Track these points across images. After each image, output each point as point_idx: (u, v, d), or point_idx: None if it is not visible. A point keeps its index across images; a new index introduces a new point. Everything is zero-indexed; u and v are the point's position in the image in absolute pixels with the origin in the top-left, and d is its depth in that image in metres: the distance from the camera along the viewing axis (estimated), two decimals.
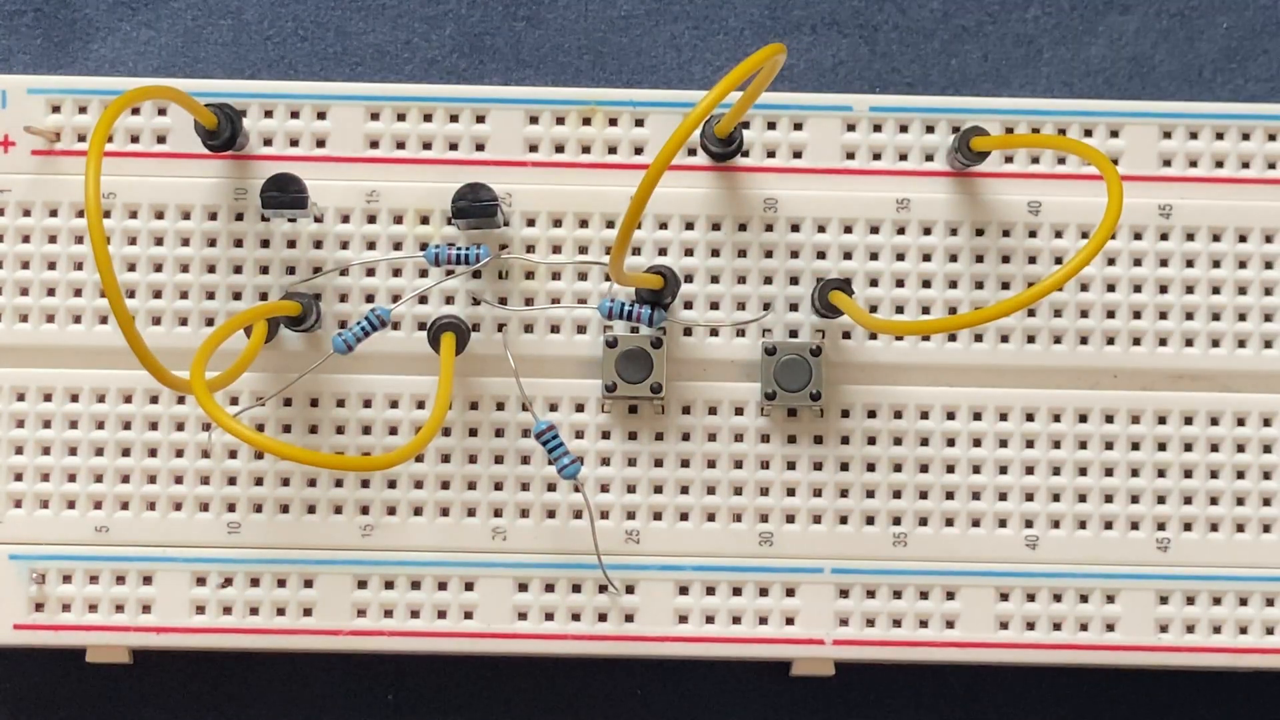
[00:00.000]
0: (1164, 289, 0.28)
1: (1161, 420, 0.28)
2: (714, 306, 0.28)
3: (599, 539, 0.27)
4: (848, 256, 0.28)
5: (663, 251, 0.28)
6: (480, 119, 0.28)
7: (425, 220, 0.28)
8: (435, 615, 0.28)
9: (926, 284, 0.28)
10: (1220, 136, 0.29)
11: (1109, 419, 0.28)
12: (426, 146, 0.28)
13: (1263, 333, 0.28)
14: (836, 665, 0.28)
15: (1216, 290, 0.28)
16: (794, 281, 0.28)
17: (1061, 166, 0.28)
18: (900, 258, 0.28)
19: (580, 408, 0.28)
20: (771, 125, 0.28)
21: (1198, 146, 0.29)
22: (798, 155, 0.29)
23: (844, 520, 0.28)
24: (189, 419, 0.28)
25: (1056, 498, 0.28)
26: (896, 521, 0.28)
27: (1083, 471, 0.28)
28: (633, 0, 0.32)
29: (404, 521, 0.28)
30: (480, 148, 0.28)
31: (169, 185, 0.28)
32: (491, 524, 0.28)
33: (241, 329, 0.26)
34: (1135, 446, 0.28)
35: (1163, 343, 0.28)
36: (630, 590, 0.28)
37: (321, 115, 0.28)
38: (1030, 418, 0.28)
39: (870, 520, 0.28)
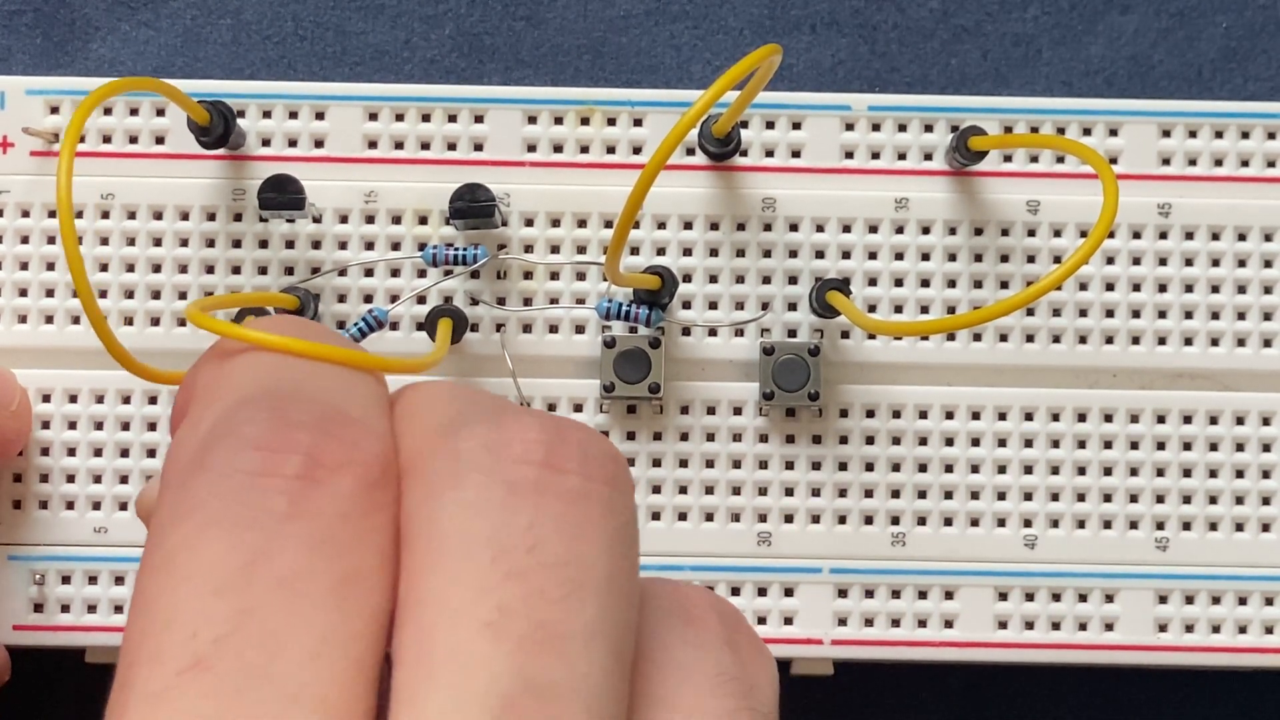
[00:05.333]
0: (1163, 288, 0.28)
1: (1160, 419, 0.28)
2: (712, 306, 0.28)
3: None
4: (846, 256, 0.28)
5: (661, 251, 0.28)
6: (478, 119, 0.28)
7: (423, 220, 0.28)
8: None
9: (925, 283, 0.28)
10: (1219, 135, 0.29)
11: (1108, 418, 0.28)
12: (425, 147, 0.28)
13: (1262, 331, 0.28)
14: (835, 665, 0.28)
15: (1215, 289, 0.28)
16: (792, 281, 0.28)
17: (1060, 165, 0.28)
18: (899, 257, 0.28)
19: (578, 408, 0.28)
20: (770, 124, 0.28)
21: (1197, 145, 0.29)
22: (796, 155, 0.28)
23: (842, 520, 0.28)
24: None
25: (1055, 497, 0.28)
26: (895, 521, 0.28)
27: (1081, 471, 0.28)
28: (632, 0, 0.32)
29: None
30: (478, 148, 0.28)
31: (167, 186, 0.28)
32: None
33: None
34: (1134, 445, 0.28)
35: (1162, 342, 0.28)
36: None
37: (320, 115, 0.28)
38: (1029, 417, 0.28)
39: (869, 520, 0.28)
